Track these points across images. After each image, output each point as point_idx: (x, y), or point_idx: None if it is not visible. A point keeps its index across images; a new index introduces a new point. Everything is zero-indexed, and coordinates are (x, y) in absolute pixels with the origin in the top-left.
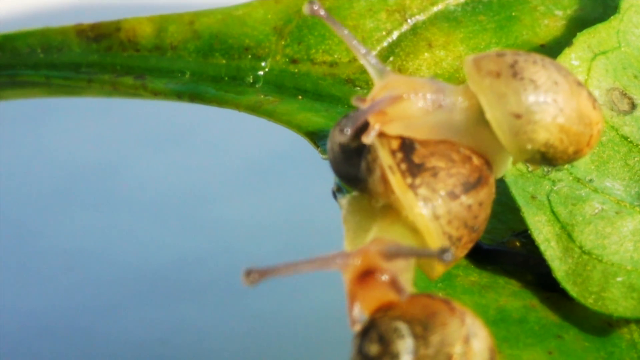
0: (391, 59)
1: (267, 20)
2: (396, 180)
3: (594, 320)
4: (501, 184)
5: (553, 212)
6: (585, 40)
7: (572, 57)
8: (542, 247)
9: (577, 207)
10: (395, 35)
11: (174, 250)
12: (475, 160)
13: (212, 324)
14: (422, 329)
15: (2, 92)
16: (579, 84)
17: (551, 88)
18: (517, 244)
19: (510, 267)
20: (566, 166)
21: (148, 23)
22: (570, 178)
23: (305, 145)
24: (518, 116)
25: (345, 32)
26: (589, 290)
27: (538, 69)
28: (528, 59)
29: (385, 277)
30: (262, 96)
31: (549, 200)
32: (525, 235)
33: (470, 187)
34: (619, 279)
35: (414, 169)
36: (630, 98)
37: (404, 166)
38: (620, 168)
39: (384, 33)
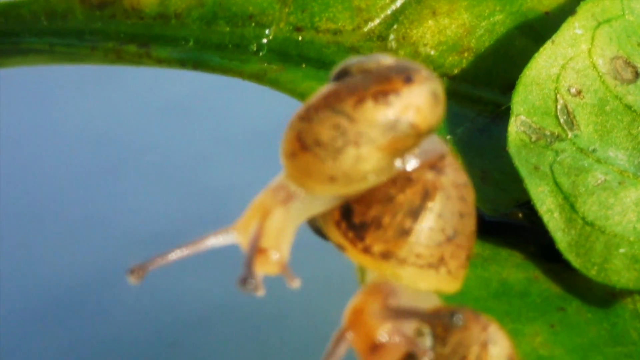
0: (395, 26)
1: None
2: (350, 253)
3: (597, 291)
4: (506, 154)
5: (556, 183)
6: (589, 8)
7: (575, 25)
8: (545, 218)
9: (580, 177)
10: (399, 3)
11: (177, 218)
12: (414, 176)
13: (216, 292)
14: (443, 330)
15: (5, 60)
16: None
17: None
18: (520, 215)
19: (513, 239)
20: (569, 136)
21: None
22: (574, 148)
23: None
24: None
25: None
26: (591, 261)
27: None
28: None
29: (398, 339)
30: (265, 64)
31: (552, 171)
32: (528, 206)
33: (419, 209)
34: (621, 250)
35: (359, 231)
36: (634, 67)
37: (350, 234)
38: (624, 137)
39: (387, 1)
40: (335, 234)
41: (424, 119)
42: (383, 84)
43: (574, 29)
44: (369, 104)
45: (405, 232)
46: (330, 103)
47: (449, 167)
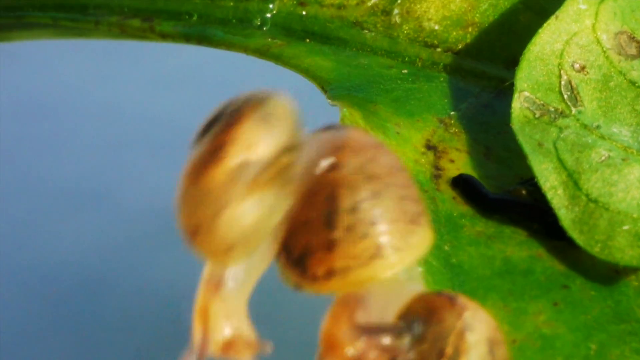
0: (399, 1)
1: None
2: (306, 288)
3: (601, 268)
4: (509, 130)
5: (559, 160)
6: None
7: (579, 0)
8: (549, 195)
9: (584, 154)
10: None
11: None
12: (315, 187)
13: None
14: (421, 325)
15: (9, 34)
16: None
17: None
18: (524, 192)
19: (517, 216)
20: (573, 112)
21: None
22: (577, 124)
23: (312, 89)
24: None
25: None
26: (595, 238)
27: None
28: None
29: (375, 353)
30: (269, 39)
31: (556, 148)
32: (531, 183)
33: (331, 215)
34: (625, 227)
35: (301, 265)
36: (638, 42)
37: (297, 270)
38: (628, 113)
39: None
40: (288, 277)
41: (270, 148)
42: (213, 142)
43: (577, 4)
44: (212, 170)
45: (331, 244)
46: (186, 184)
47: (349, 153)
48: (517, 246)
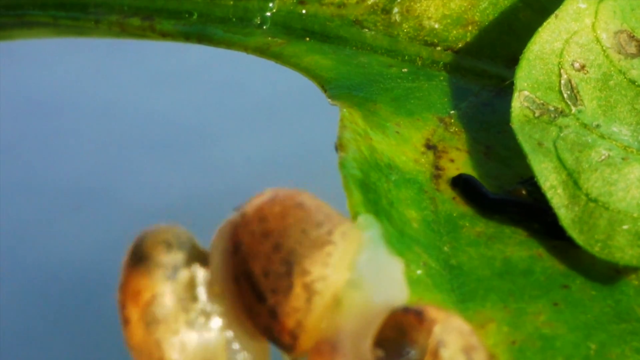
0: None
1: None
2: (290, 355)
3: (601, 267)
4: (509, 129)
5: (559, 159)
6: None
7: None
8: (549, 194)
9: (584, 153)
10: None
11: (181, 188)
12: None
13: None
14: (395, 351)
15: (10, 32)
16: None
17: None
18: (524, 192)
19: (517, 216)
20: (573, 111)
21: None
22: (577, 124)
23: (312, 88)
24: None
25: None
26: (595, 238)
27: None
28: None
29: None
30: (269, 38)
31: (555, 147)
32: (531, 182)
33: (244, 276)
34: (625, 226)
35: (276, 342)
36: (638, 40)
37: (282, 350)
38: (628, 112)
39: None
40: (285, 357)
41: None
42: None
43: (577, 3)
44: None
45: (273, 313)
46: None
47: (242, 231)
48: (517, 246)
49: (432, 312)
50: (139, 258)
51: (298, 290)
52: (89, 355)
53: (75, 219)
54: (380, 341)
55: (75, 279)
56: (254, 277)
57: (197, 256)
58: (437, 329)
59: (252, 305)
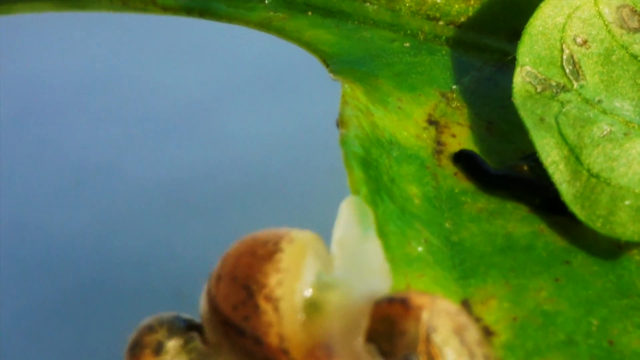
0: None
1: None
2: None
3: (603, 243)
4: (511, 103)
5: (561, 135)
6: None
7: None
8: (550, 170)
9: (586, 129)
10: None
11: (183, 164)
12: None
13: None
14: (388, 343)
15: (11, 6)
16: None
17: None
18: (525, 168)
19: (519, 192)
20: (575, 86)
21: None
22: (579, 99)
23: (314, 62)
24: None
25: None
26: (596, 213)
27: None
28: None
29: None
30: (271, 12)
31: (557, 123)
32: (533, 158)
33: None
34: (627, 202)
35: (239, 325)
36: None
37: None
38: (630, 87)
39: None
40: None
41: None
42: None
43: None
44: None
45: (256, 340)
46: None
47: (215, 282)
48: (519, 222)
49: (417, 299)
50: (132, 346)
51: (263, 305)
52: (96, 327)
53: (80, 193)
54: (372, 336)
55: (79, 253)
56: (229, 317)
57: (186, 325)
58: (424, 315)
59: (243, 345)
